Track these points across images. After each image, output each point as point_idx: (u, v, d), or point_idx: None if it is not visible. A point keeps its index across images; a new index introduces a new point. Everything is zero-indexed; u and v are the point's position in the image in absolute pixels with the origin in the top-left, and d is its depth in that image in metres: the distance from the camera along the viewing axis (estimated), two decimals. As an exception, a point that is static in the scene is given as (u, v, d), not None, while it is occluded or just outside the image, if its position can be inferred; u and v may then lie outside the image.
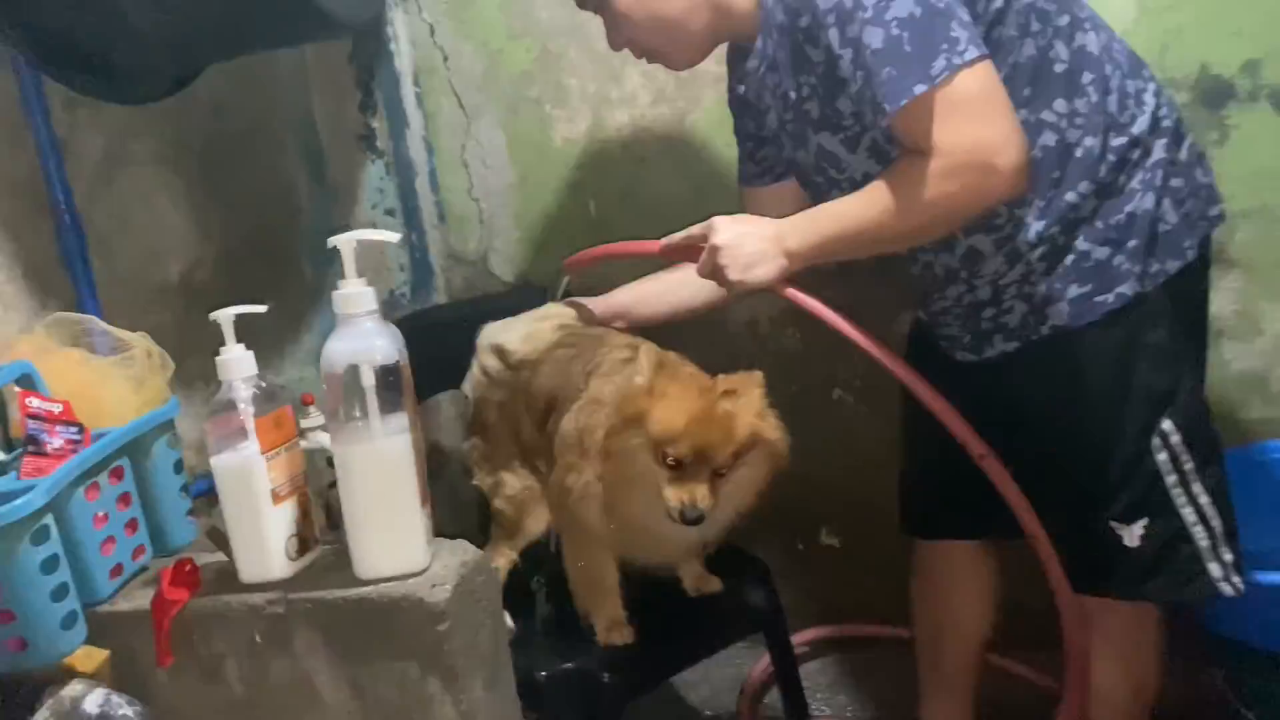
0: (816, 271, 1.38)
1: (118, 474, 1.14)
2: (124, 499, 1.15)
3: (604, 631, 1.44)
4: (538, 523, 1.52)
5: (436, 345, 1.57)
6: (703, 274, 1.38)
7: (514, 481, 1.53)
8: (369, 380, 1.03)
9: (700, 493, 1.26)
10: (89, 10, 1.24)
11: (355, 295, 1.04)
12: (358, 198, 2.02)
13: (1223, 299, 1.88)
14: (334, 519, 1.32)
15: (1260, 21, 1.78)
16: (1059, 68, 1.31)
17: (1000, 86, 1.22)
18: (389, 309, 2.15)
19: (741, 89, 1.53)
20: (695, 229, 1.39)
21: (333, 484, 1.43)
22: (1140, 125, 1.33)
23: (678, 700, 2.12)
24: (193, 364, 1.32)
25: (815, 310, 1.38)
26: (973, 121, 1.20)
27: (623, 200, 2.12)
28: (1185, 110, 1.81)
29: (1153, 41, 1.80)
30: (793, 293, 1.37)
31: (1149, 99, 1.35)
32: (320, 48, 1.93)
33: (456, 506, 1.98)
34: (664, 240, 1.44)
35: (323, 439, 1.46)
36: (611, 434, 1.30)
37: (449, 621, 1.02)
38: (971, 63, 1.19)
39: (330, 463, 1.43)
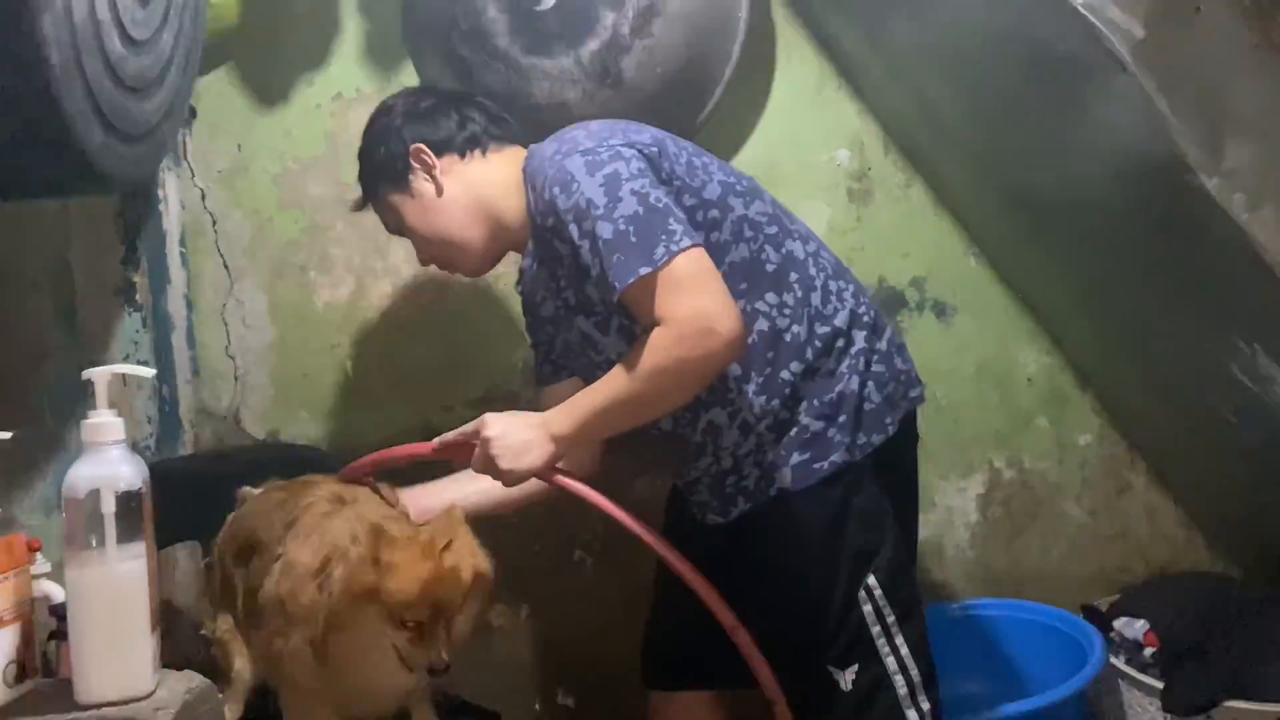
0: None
1: None
2: None
3: None
4: (245, 664, 1.48)
5: (177, 497, 1.57)
6: (476, 468, 1.49)
7: (223, 622, 1.52)
8: (109, 506, 1.07)
9: (439, 647, 1.31)
10: None
11: (104, 424, 1.09)
12: (110, 348, 2.02)
13: (904, 475, 2.18)
14: (50, 670, 1.30)
15: (922, 247, 2.17)
16: (770, 267, 1.54)
17: (713, 268, 1.42)
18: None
19: (522, 290, 1.71)
20: (467, 426, 1.49)
21: (53, 634, 1.41)
22: (841, 318, 1.56)
23: None
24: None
25: (582, 493, 1.50)
26: (692, 294, 1.39)
27: (380, 364, 2.23)
28: (868, 313, 2.15)
29: (841, 255, 2.10)
30: (561, 479, 1.50)
31: (849, 297, 1.59)
32: (85, 200, 1.98)
33: (184, 668, 1.93)
34: (437, 440, 1.53)
35: (48, 587, 1.44)
36: (339, 609, 1.32)
37: (170, 746, 1.04)
38: (686, 249, 1.39)
39: (53, 612, 1.42)
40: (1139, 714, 1.83)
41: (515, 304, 2.22)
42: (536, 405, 1.60)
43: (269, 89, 2.20)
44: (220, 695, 1.32)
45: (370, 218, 2.18)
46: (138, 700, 1.07)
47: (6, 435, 1.16)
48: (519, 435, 1.46)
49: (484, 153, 1.66)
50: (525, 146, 1.65)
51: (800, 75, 2.17)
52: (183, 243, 2.22)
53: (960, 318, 2.18)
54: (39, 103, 1.27)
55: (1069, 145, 1.58)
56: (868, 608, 1.53)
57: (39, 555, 1.38)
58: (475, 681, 1.59)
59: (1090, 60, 1.35)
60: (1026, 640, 2.03)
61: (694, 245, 1.41)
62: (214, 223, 2.23)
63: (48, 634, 1.40)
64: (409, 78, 2.13)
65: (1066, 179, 1.66)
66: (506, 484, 1.49)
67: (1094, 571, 2.21)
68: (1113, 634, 1.93)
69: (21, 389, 1.77)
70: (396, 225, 1.72)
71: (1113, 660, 1.87)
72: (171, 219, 2.20)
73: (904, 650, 1.54)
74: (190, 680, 1.13)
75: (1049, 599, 2.10)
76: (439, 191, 1.64)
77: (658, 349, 1.40)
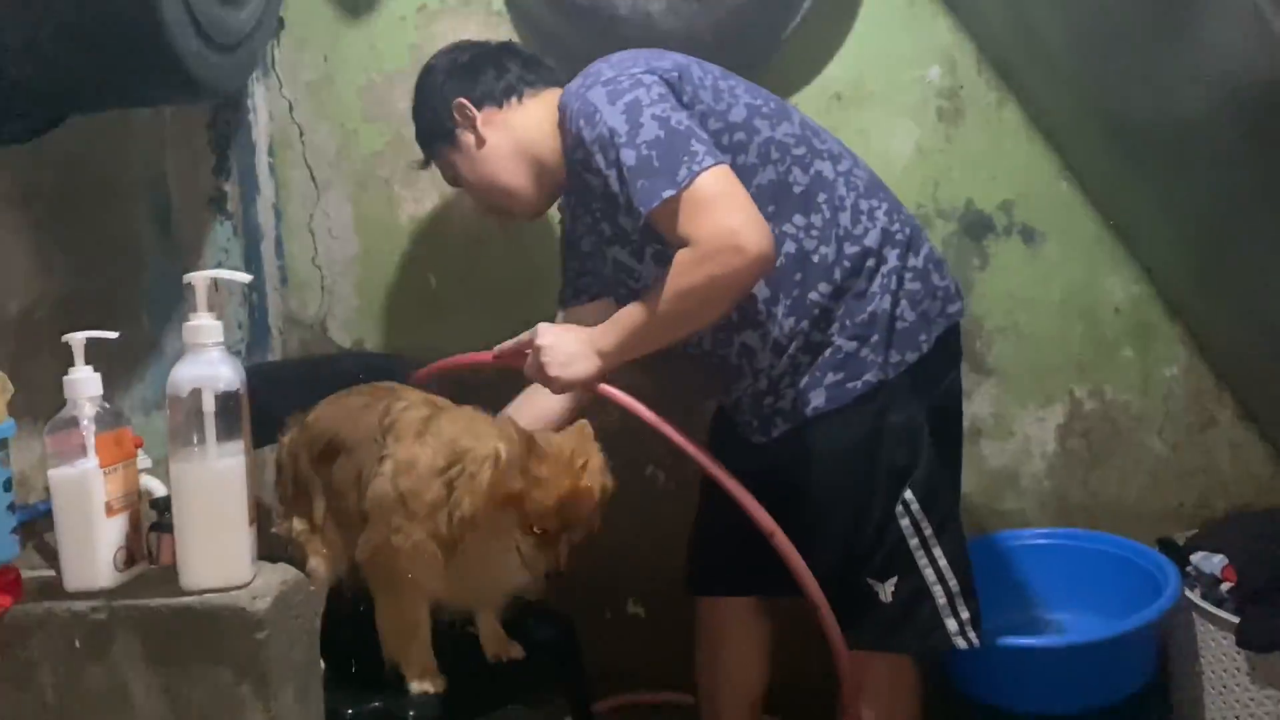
0: (637, 369, 1.57)
1: (-53, 484, 1.18)
2: (-49, 510, 1.18)
3: (416, 679, 1.49)
4: (320, 566, 1.56)
5: (266, 401, 1.64)
6: (529, 374, 1.58)
7: (297, 523, 1.59)
8: (210, 405, 1.13)
9: (562, 553, 1.41)
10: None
11: (204, 327, 1.14)
12: (202, 255, 2.08)
13: (981, 403, 2.16)
14: (153, 559, 1.38)
15: (1013, 170, 2.11)
16: (797, 189, 1.56)
17: (739, 185, 1.44)
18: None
19: (563, 219, 1.80)
20: (523, 335, 1.58)
21: (154, 526, 1.49)
22: (872, 237, 1.58)
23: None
24: (22, 395, 1.37)
25: (622, 401, 1.58)
26: (717, 213, 1.41)
27: (461, 279, 2.27)
28: (953, 238, 2.12)
29: (928, 177, 2.11)
30: (604, 388, 1.57)
31: (880, 215, 1.60)
32: (180, 110, 2.02)
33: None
34: (496, 348, 1.62)
35: (149, 482, 1.52)
36: (480, 509, 1.39)
37: (266, 631, 1.11)
38: (709, 168, 1.42)
39: (154, 505, 1.49)
40: (1212, 649, 1.82)
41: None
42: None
43: (355, 1, 2.20)
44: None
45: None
46: (237, 588, 1.13)
47: (112, 334, 1.22)
48: (568, 348, 1.53)
49: (520, 99, 1.69)
50: (561, 86, 1.67)
51: (892, -12, 2.11)
52: (271, 153, 2.27)
53: (1048, 244, 2.13)
54: (137, 12, 1.30)
55: (1175, 66, 1.52)
56: (905, 521, 1.58)
57: (141, 452, 1.45)
58: (548, 591, 1.64)
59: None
60: (1100, 572, 2.02)
61: (717, 164, 1.43)
62: (301, 134, 2.26)
63: (149, 526, 1.48)
64: (492, -10, 2.12)
65: (1171, 102, 1.60)
66: (554, 391, 1.58)
67: (1173, 506, 2.17)
68: (1189, 568, 1.91)
69: (122, 293, 1.85)
70: (454, 179, 1.79)
71: (1188, 594, 1.86)
72: (260, 130, 2.24)
73: (942, 562, 1.59)
74: (285, 572, 1.19)
75: (1125, 532, 2.08)
76: (481, 142, 1.70)
77: (687, 268, 1.43)
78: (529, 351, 1.56)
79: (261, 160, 2.25)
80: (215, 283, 1.20)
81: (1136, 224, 2.07)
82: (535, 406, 1.73)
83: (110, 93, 1.48)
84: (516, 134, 1.69)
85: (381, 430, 1.49)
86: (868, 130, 2.10)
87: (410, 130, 2.20)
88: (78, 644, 1.12)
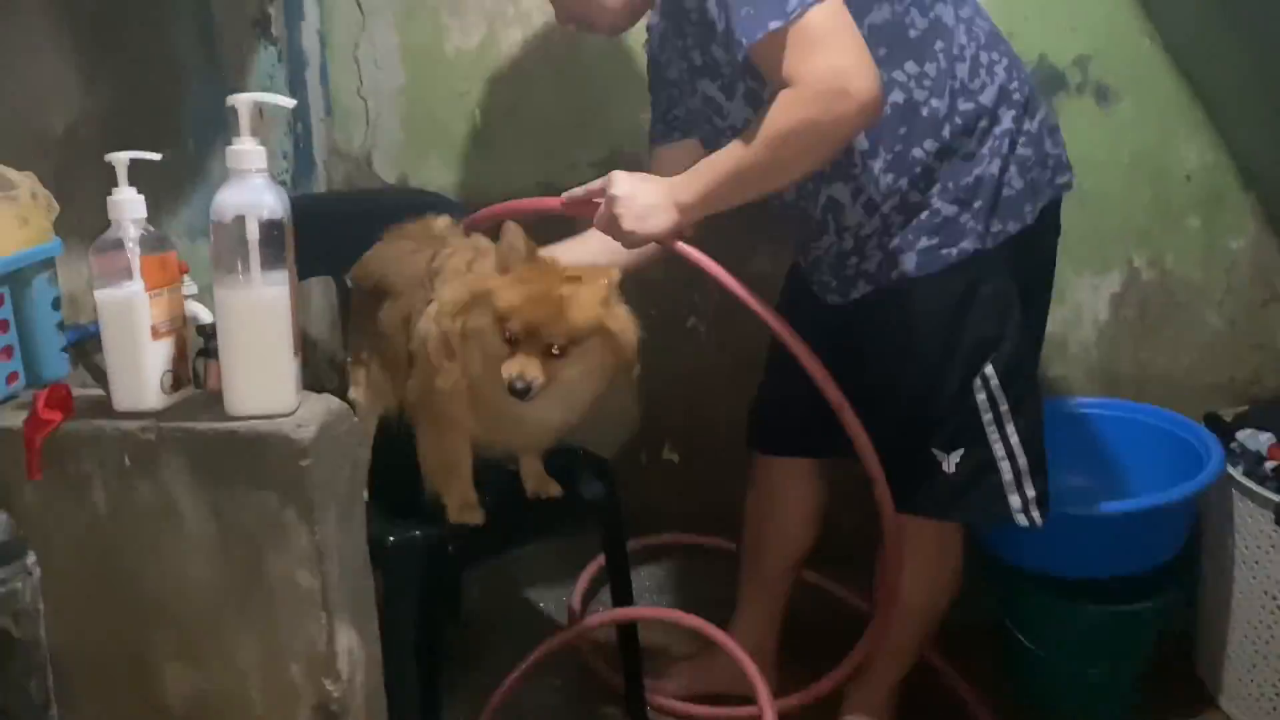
0: (703, 225, 1.49)
1: (-3, 300, 1.19)
2: (1, 325, 1.20)
3: (456, 511, 1.54)
4: (363, 394, 1.59)
5: (312, 232, 1.63)
6: (600, 226, 1.47)
7: (352, 354, 1.61)
8: (254, 232, 1.11)
9: (530, 365, 1.34)
10: None
11: (247, 152, 1.12)
12: (247, 80, 2.04)
13: (1035, 267, 2.10)
14: (199, 384, 1.40)
15: (1093, 22, 1.99)
16: (913, 33, 1.44)
17: (851, 24, 1.32)
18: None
19: (650, 45, 1.66)
20: (595, 183, 1.47)
21: (201, 352, 1.51)
22: (988, 95, 1.46)
23: (515, 594, 2.27)
24: (69, 216, 1.36)
25: (700, 262, 1.49)
26: (826, 52, 1.30)
27: (507, 115, 2.21)
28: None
29: (1000, 26, 1.98)
30: (681, 246, 1.47)
31: (1000, 71, 1.48)
32: (223, -74, 1.95)
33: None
34: (565, 195, 1.52)
35: (195, 308, 1.53)
36: (464, 311, 1.39)
37: (310, 458, 1.12)
38: (823, 2, 1.29)
39: (200, 331, 1.50)
40: (1249, 524, 1.81)
41: (644, 64, 2.16)
42: (647, 165, 1.58)
43: None
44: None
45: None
46: (282, 416, 1.14)
47: (155, 155, 1.20)
48: (645, 199, 1.43)
49: None
50: None
51: None
52: (316, -25, 2.19)
53: (1123, 103, 2.02)
54: None
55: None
56: (981, 396, 1.52)
57: (186, 278, 1.45)
58: (586, 435, 1.65)
59: None
60: (1143, 442, 2.00)
61: None
62: (346, -45, 2.17)
63: (196, 351, 1.49)
64: None
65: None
66: (627, 246, 1.48)
67: (1223, 382, 2.14)
68: (1234, 444, 1.88)
69: (165, 114, 1.82)
70: None
71: (1230, 470, 1.84)
72: (305, -51, 2.16)
73: (1014, 440, 1.54)
74: (330, 402, 1.20)
75: (1173, 406, 2.04)
76: None
77: (786, 111, 1.32)
78: (600, 201, 1.46)
79: (307, -18, 2.17)
80: (260, 109, 1.17)
81: (1222, 88, 1.96)
82: (586, 251, 1.65)
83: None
84: None
85: (429, 274, 1.49)
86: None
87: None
88: (127, 461, 1.14)
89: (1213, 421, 1.97)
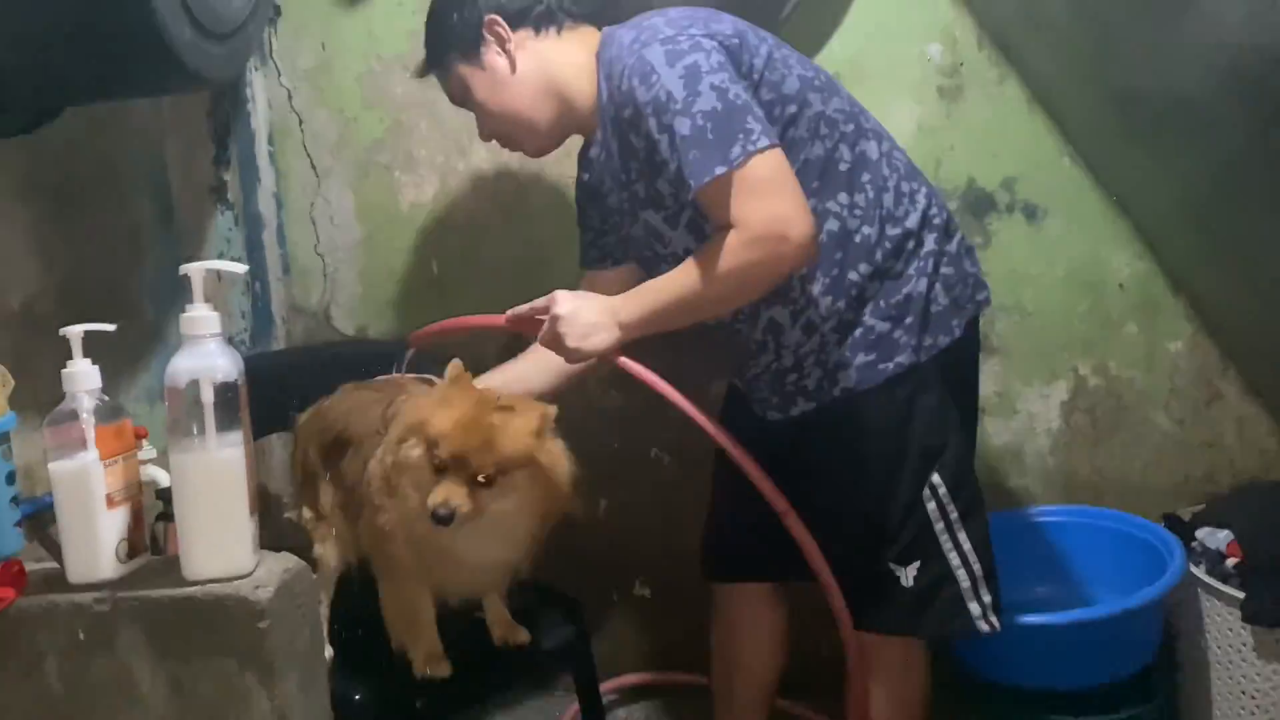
0: (644, 344, 1.53)
1: (-50, 478, 1.19)
2: (-46, 503, 1.19)
3: (421, 663, 1.50)
4: (329, 553, 1.57)
5: (271, 388, 1.64)
6: (544, 343, 1.52)
7: (305, 512, 1.60)
8: (208, 396, 1.13)
9: (455, 492, 1.31)
10: (-45, 45, 1.31)
11: (200, 318, 1.15)
12: (204, 245, 2.09)
13: (985, 381, 2.13)
14: (157, 549, 1.39)
15: (1015, 147, 2.10)
16: (843, 166, 1.53)
17: (790, 171, 1.42)
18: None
19: (586, 177, 1.69)
20: (539, 301, 1.52)
21: (159, 516, 1.50)
22: (912, 220, 1.55)
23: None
24: (24, 389, 1.37)
25: (642, 376, 1.54)
26: (767, 198, 1.39)
27: (463, 262, 2.27)
28: (955, 215, 2.10)
29: (929, 155, 2.09)
30: (624, 361, 1.53)
31: (921, 199, 1.57)
32: (178, 100, 2.03)
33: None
34: (509, 312, 1.55)
35: (154, 472, 1.53)
36: (398, 441, 1.39)
37: (269, 620, 1.11)
38: (764, 150, 1.38)
39: (159, 495, 1.50)
40: (1218, 624, 1.82)
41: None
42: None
43: (351, -14, 2.20)
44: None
45: (454, 117, 2.20)
46: (240, 578, 1.14)
47: (110, 327, 1.22)
48: (587, 317, 1.48)
49: (559, 30, 1.61)
50: (599, 27, 1.61)
51: (892, -35, 2.09)
52: (271, 142, 2.26)
53: (1051, 220, 2.11)
54: (129, 2, 1.30)
55: (1177, 38, 1.50)
56: (931, 505, 1.55)
57: (145, 442, 1.46)
58: (556, 573, 1.64)
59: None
60: (1105, 548, 2.01)
61: (771, 146, 1.40)
62: (300, 122, 2.26)
63: (155, 516, 1.49)
64: (490, -27, 2.10)
65: (1172, 74, 1.58)
66: (570, 361, 1.52)
67: (1179, 482, 2.17)
68: (1195, 544, 1.90)
69: (123, 283, 1.85)
70: (461, 97, 1.67)
71: (1193, 570, 1.85)
72: (260, 118, 2.24)
73: (966, 546, 1.56)
74: (287, 561, 1.20)
75: (1131, 508, 2.07)
76: (511, 67, 1.60)
77: (730, 252, 1.40)
78: (544, 318, 1.50)
79: (261, 149, 2.24)
80: (218, 274, 1.20)
81: (1140, 199, 2.06)
82: (520, 372, 1.69)
83: (105, 84, 1.49)
84: (550, 68, 1.60)
85: (384, 422, 1.50)
86: (869, 108, 2.08)
87: (409, 116, 2.22)
88: (82, 635, 1.13)
89: (1172, 522, 2.00)
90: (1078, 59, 1.90)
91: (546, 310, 1.50)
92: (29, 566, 1.19)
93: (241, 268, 1.24)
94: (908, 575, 1.56)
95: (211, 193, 2.15)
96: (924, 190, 1.60)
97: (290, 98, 2.25)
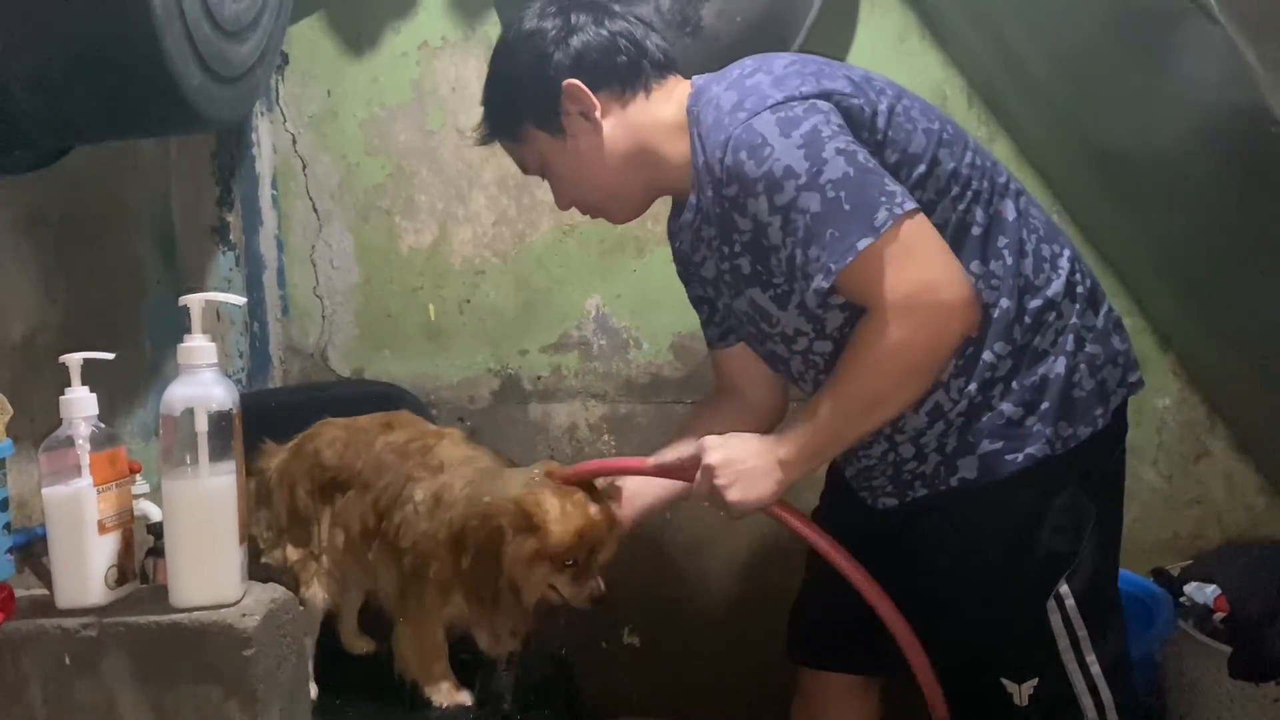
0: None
1: (-56, 503, 1.20)
2: (-52, 527, 1.20)
3: (445, 695, 1.54)
4: (316, 595, 1.57)
5: (266, 427, 1.66)
6: (699, 499, 1.36)
7: (292, 553, 1.59)
8: (202, 425, 1.15)
9: (601, 582, 1.46)
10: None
11: (198, 348, 1.17)
12: (204, 284, 2.12)
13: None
14: (147, 581, 1.39)
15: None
16: (976, 230, 1.33)
17: (936, 233, 1.25)
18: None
19: (678, 245, 1.51)
20: (686, 449, 1.37)
21: (150, 551, 1.51)
22: (1055, 288, 1.35)
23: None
24: (21, 419, 1.39)
25: (803, 532, 1.37)
26: (916, 266, 1.22)
27: (460, 308, 2.30)
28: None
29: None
30: (785, 514, 1.36)
31: (1064, 263, 1.38)
32: (184, 141, 2.07)
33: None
34: (654, 461, 1.42)
35: (146, 507, 1.54)
36: (516, 575, 1.44)
37: (254, 648, 1.12)
38: (912, 212, 1.22)
39: (150, 530, 1.51)
40: (1206, 679, 1.82)
41: (589, 253, 2.27)
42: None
43: (358, 36, 2.26)
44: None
45: (454, 164, 2.24)
46: (227, 606, 1.15)
47: (108, 355, 1.24)
48: (746, 463, 1.31)
49: (647, 92, 1.41)
50: (685, 76, 1.45)
51: (883, 25, 2.15)
52: (274, 185, 2.31)
53: (1039, 275, 2.14)
54: (141, 44, 1.33)
55: (1153, 98, 1.55)
56: (1056, 619, 1.37)
57: (139, 476, 1.47)
58: (545, 621, 1.64)
59: (1176, 9, 1.32)
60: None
61: (917, 208, 1.24)
62: (304, 166, 2.30)
63: (145, 551, 1.49)
64: (494, 27, 2.16)
65: (1149, 133, 1.63)
66: (733, 516, 1.36)
67: (1167, 537, 2.18)
68: (1183, 599, 1.91)
69: (125, 321, 1.88)
70: (538, 168, 1.49)
71: (1181, 625, 1.86)
72: (264, 162, 2.29)
73: (1095, 669, 1.37)
74: (274, 591, 1.21)
75: (1121, 563, 2.07)
76: (597, 137, 1.41)
77: (884, 334, 1.24)
78: (690, 466, 1.35)
79: (265, 191, 2.29)
80: (217, 313, 1.23)
81: (1124, 255, 2.09)
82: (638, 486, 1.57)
83: (115, 124, 1.52)
84: (639, 134, 1.40)
85: (420, 465, 1.52)
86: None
87: (410, 163, 2.27)
88: (67, 661, 1.13)
89: (1160, 577, 2.00)
90: (1060, 118, 1.95)
91: (696, 460, 1.34)
92: (17, 593, 1.20)
93: (239, 300, 1.27)
94: (1022, 693, 1.38)
95: (214, 233, 2.18)
96: (1067, 253, 1.40)
97: (295, 142, 2.30)
